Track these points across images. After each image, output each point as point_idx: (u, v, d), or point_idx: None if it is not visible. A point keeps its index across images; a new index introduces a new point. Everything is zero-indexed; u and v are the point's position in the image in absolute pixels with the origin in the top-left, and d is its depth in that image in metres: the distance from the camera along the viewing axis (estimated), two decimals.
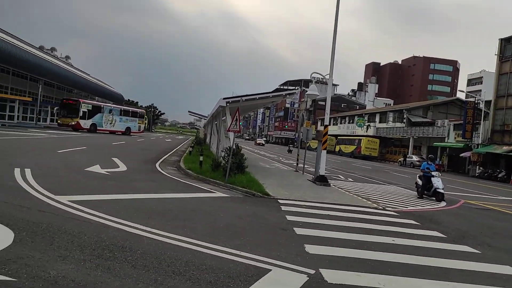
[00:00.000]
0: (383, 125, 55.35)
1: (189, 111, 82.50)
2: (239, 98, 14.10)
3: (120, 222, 5.60)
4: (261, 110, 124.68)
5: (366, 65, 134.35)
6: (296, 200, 9.60)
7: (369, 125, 57.77)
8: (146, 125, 58.27)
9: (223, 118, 19.57)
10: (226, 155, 13.19)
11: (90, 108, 39.38)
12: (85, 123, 38.08)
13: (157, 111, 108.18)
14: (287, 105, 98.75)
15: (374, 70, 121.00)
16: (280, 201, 9.22)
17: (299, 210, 8.34)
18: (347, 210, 8.96)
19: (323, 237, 6.10)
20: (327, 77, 13.91)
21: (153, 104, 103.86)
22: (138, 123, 47.70)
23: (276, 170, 17.99)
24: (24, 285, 3.28)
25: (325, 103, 13.48)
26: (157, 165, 15.16)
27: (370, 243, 6.02)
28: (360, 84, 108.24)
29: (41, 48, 55.93)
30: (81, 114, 37.52)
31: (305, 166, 17.73)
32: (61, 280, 3.46)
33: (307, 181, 14.20)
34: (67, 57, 71.56)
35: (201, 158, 14.56)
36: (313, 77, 16.00)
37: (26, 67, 39.35)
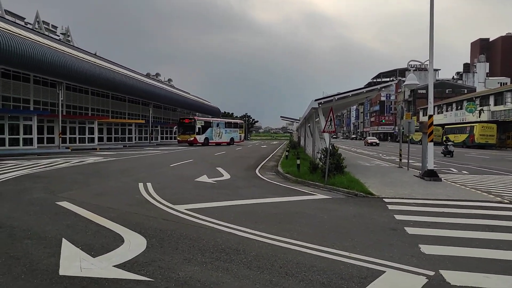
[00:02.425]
0: (500, 107, 48.45)
1: (281, 116, 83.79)
2: (331, 98, 13.89)
3: (231, 227, 6.01)
4: (354, 106, 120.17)
5: (471, 43, 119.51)
6: (403, 198, 9.04)
7: (481, 110, 51.16)
8: (246, 134, 61.71)
9: (316, 120, 19.47)
10: (323, 156, 13.09)
11: (203, 124, 44.19)
12: (200, 138, 42.82)
13: (251, 120, 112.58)
14: (383, 98, 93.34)
15: (482, 47, 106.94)
16: (386, 200, 8.78)
17: (408, 208, 7.84)
18: (465, 206, 8.10)
19: (440, 236, 5.64)
20: (427, 63, 12.81)
21: (247, 113, 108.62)
22: (239, 133, 51.62)
23: (377, 168, 17.15)
24: (160, 285, 3.78)
25: (426, 92, 12.43)
26: (257, 171, 15.78)
27: (497, 241, 5.36)
28: (466, 65, 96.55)
29: (148, 75, 63.03)
30: (196, 130, 42.33)
31: (410, 161, 16.53)
32: (189, 280, 3.89)
33: (414, 177, 13.23)
34: (170, 80, 79.15)
35: (298, 162, 14.70)
36: (410, 65, 14.89)
37: (139, 93, 44.91)
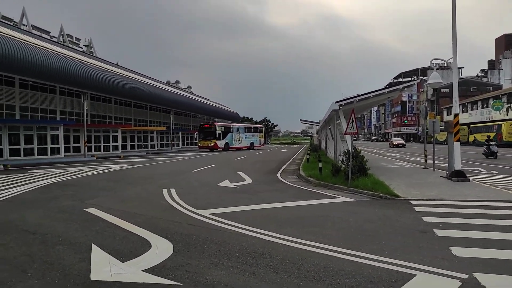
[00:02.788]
0: None
1: (300, 120, 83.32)
2: (352, 99, 13.73)
3: (256, 231, 6.01)
4: (375, 107, 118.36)
5: (496, 39, 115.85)
6: (431, 200, 8.80)
7: (509, 107, 49.34)
8: (265, 138, 61.84)
9: (337, 122, 19.28)
10: (345, 159, 12.94)
11: (223, 129, 44.58)
12: (221, 143, 43.18)
13: (271, 124, 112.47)
14: (404, 99, 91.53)
15: (507, 43, 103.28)
16: (412, 202, 8.58)
17: (436, 210, 7.63)
18: (496, 207, 7.82)
19: (471, 238, 5.46)
20: (450, 61, 12.50)
21: (266, 117, 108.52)
22: (259, 137, 51.74)
23: (401, 169, 16.78)
24: None
25: (450, 90, 12.11)
26: (278, 175, 15.74)
27: None
28: (491, 62, 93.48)
29: (168, 83, 64.13)
30: (217, 135, 42.71)
31: (435, 162, 16.11)
32: (217, 285, 3.90)
33: (441, 178, 12.87)
34: (189, 87, 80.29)
35: (320, 165, 14.57)
36: (433, 64, 14.53)
37: (160, 101, 45.75)
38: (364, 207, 8.27)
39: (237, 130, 47.23)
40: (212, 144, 42.32)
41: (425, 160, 17.50)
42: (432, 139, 16.73)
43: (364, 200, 9.26)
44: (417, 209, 7.77)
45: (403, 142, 51.24)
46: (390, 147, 49.22)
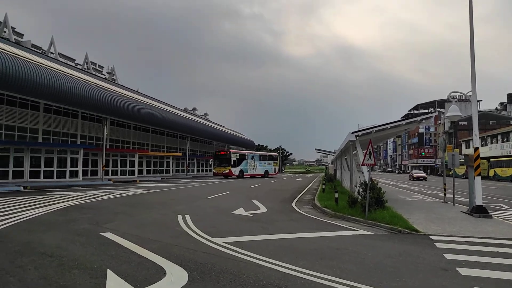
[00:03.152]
0: None
1: (315, 149, 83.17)
2: (369, 130, 13.68)
3: (271, 262, 5.90)
4: (392, 139, 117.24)
5: None
6: (452, 236, 8.52)
7: None
8: (280, 167, 61.58)
9: (353, 152, 19.15)
10: (362, 190, 12.75)
11: (238, 157, 45.01)
12: (235, 170, 43.57)
13: (285, 152, 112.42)
14: (421, 130, 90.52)
15: None
16: (433, 238, 8.31)
17: (458, 247, 7.36)
18: None
19: (497, 279, 5.23)
20: (469, 94, 12.43)
21: (280, 146, 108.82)
22: (274, 165, 51.63)
23: (420, 203, 16.37)
24: None
25: (468, 123, 11.97)
26: (293, 204, 15.56)
27: None
28: (510, 96, 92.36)
29: (185, 110, 65.42)
30: (232, 162, 43.20)
31: (455, 196, 15.69)
32: None
33: (461, 213, 12.48)
34: (206, 114, 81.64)
35: (336, 195, 14.38)
36: (451, 96, 14.45)
37: (177, 128, 46.54)
38: (383, 241, 8.05)
39: (252, 157, 47.38)
40: (226, 171, 42.57)
41: (445, 194, 17.05)
42: (451, 173, 16.36)
43: (382, 233, 9.03)
44: (438, 245, 7.52)
45: (424, 175, 48.56)
46: (410, 179, 47.18)
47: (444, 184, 17.34)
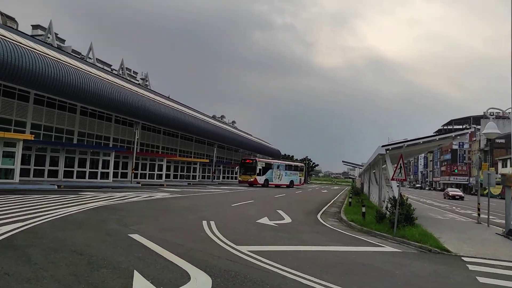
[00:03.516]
0: None
1: (343, 161, 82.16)
2: (401, 144, 13.36)
3: (295, 274, 5.83)
4: (423, 154, 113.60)
5: None
6: (485, 258, 8.11)
7: None
8: (305, 177, 60.97)
9: (383, 166, 18.73)
10: (390, 205, 12.42)
11: (264, 165, 44.90)
12: (260, 179, 43.42)
13: (312, 163, 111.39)
14: (455, 147, 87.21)
15: None
16: (465, 259, 7.95)
17: (492, 270, 7.00)
18: None
19: None
20: (508, 111, 11.90)
21: (307, 156, 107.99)
22: (299, 176, 51.05)
23: (452, 222, 15.72)
24: None
25: (506, 141, 11.43)
26: (318, 216, 15.35)
27: None
28: None
29: (214, 117, 66.35)
30: (257, 171, 43.15)
31: (490, 217, 14.96)
32: None
33: (496, 235, 11.88)
34: (233, 122, 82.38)
35: (363, 210, 14.07)
36: (490, 112, 13.87)
37: (205, 134, 47.27)
38: (412, 259, 7.78)
39: (278, 167, 47.12)
40: (252, 179, 42.58)
41: (479, 214, 16.29)
42: (486, 192, 15.63)
43: (411, 252, 8.74)
44: (471, 267, 7.19)
45: (461, 193, 43.80)
46: (444, 198, 43.17)
47: (478, 203, 16.58)
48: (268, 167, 45.28)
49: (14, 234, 7.47)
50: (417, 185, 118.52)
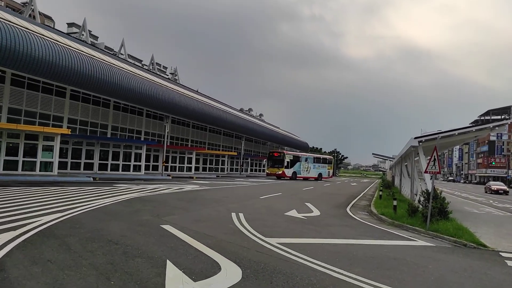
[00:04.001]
0: None
1: (373, 153, 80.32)
2: (435, 136, 12.89)
3: (325, 266, 5.82)
4: (458, 146, 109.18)
5: None
6: None
7: None
8: (334, 170, 60.11)
9: (415, 159, 18.19)
10: (423, 199, 12.07)
11: (292, 158, 44.65)
12: (288, 172, 43.28)
13: (340, 156, 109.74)
14: (493, 138, 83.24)
15: None
16: (504, 255, 7.63)
17: None
18: None
19: None
20: None
21: (336, 149, 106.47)
22: (328, 169, 50.41)
23: (489, 216, 15.09)
24: None
25: None
26: (347, 209, 15.17)
27: None
28: None
29: (241, 110, 66.63)
30: (285, 164, 43.05)
31: None
32: None
33: None
34: (261, 115, 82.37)
35: (394, 203, 13.76)
36: None
37: (233, 127, 47.58)
38: (445, 254, 7.55)
39: (306, 160, 46.73)
40: (279, 172, 42.54)
41: None
42: None
43: (445, 246, 8.48)
44: (510, 263, 6.89)
45: (505, 187, 39.39)
46: (486, 192, 39.16)
47: None
48: (296, 159, 45.02)
49: (54, 224, 7.88)
50: (450, 178, 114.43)
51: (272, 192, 21.57)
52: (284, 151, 46.75)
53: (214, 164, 46.93)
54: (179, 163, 38.74)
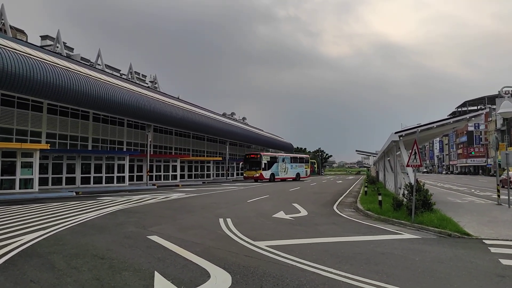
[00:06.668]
0: None
1: (356, 150, 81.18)
2: (414, 130, 13.15)
3: (314, 266, 5.84)
4: (438, 138, 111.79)
5: None
6: (508, 240, 7.96)
7: None
8: (316, 169, 60.22)
9: (397, 153, 18.51)
10: (407, 192, 12.27)
11: (269, 159, 43.54)
12: (266, 174, 42.17)
13: (325, 155, 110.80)
14: (470, 128, 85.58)
15: None
16: (487, 242, 7.82)
17: None
18: None
19: None
20: None
21: (320, 148, 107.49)
22: (305, 168, 49.81)
23: (471, 205, 15.46)
24: None
25: None
26: (334, 207, 15.28)
27: None
28: None
29: (224, 115, 66.49)
30: (262, 166, 41.86)
31: (510, 197, 14.64)
32: None
33: None
34: (244, 118, 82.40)
35: (379, 198, 13.95)
36: (504, 91, 13.55)
37: (217, 132, 47.35)
38: (431, 245, 7.69)
39: (283, 160, 45.62)
40: (257, 175, 41.34)
41: (498, 196, 15.98)
42: (505, 172, 15.30)
43: (430, 237, 8.63)
44: (493, 250, 7.07)
45: None
46: (503, 186, 24.95)
47: (498, 184, 16.25)
48: (273, 160, 43.86)
49: (37, 242, 7.66)
50: (424, 170, 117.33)
51: (259, 195, 21.56)
52: (261, 153, 45.29)
53: (199, 170, 46.62)
54: (164, 172, 38.30)
